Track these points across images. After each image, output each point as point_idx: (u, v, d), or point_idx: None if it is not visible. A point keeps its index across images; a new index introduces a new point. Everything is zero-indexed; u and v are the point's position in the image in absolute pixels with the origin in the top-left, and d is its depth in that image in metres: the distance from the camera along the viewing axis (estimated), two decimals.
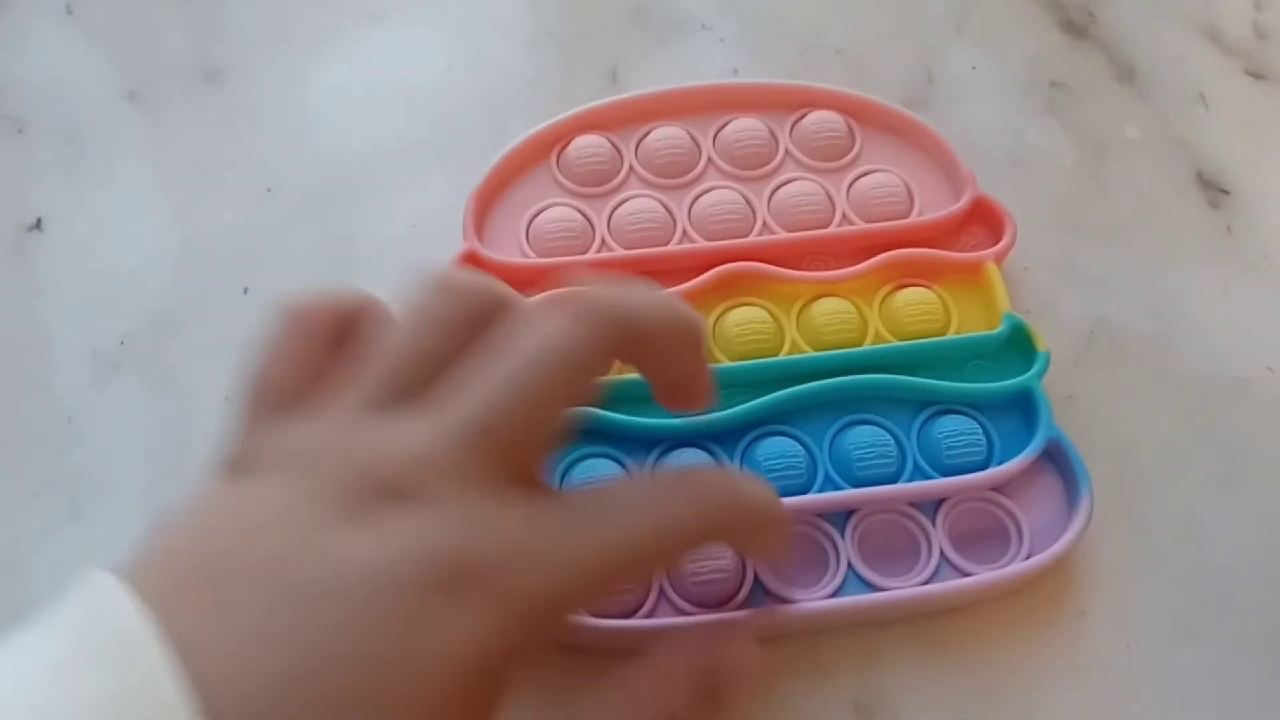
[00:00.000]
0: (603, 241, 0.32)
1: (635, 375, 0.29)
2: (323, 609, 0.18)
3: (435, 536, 0.19)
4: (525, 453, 0.21)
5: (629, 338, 0.22)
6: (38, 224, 0.33)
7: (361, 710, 0.18)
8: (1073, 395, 0.31)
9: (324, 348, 0.22)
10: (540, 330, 0.21)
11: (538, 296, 0.22)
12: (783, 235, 0.32)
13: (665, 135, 0.33)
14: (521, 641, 0.20)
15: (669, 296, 0.23)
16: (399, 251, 0.32)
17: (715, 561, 0.27)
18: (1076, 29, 0.38)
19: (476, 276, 0.22)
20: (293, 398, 0.22)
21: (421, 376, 0.21)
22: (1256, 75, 0.38)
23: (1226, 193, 0.35)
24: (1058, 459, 0.30)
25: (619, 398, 0.29)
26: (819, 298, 0.31)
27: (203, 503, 0.21)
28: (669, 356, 0.23)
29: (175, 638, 0.18)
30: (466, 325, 0.22)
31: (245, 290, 0.32)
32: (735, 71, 0.36)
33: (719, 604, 0.27)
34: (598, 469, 0.28)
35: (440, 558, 0.19)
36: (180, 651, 0.17)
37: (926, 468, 0.29)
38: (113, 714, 0.17)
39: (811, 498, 0.28)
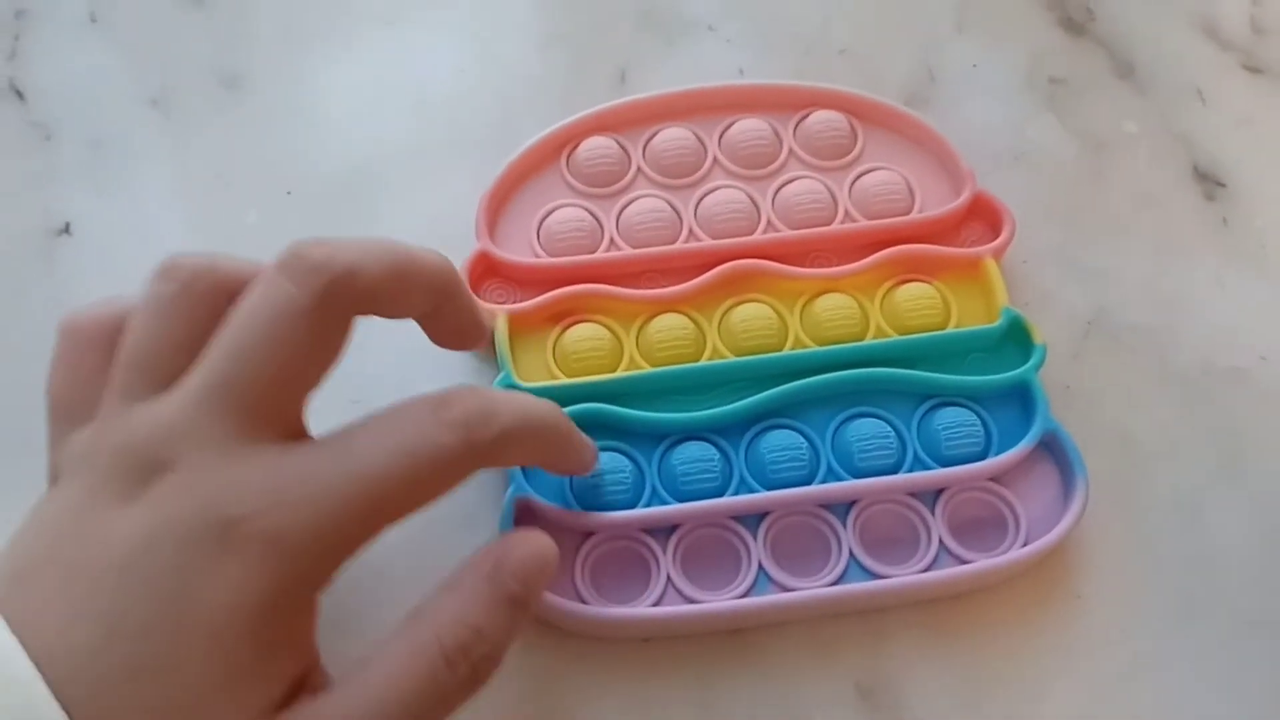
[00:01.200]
0: (611, 241, 0.32)
1: (642, 372, 0.30)
2: (104, 581, 0.20)
3: (192, 496, 0.21)
4: (269, 408, 0.22)
5: (334, 285, 0.22)
6: (66, 228, 0.34)
7: (159, 667, 0.20)
8: (1071, 385, 0.32)
9: (100, 356, 0.24)
10: (258, 293, 0.22)
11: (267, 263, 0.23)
12: (787, 233, 0.33)
13: (672, 136, 0.34)
14: (296, 580, 0.21)
15: (389, 244, 0.23)
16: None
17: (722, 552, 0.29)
18: (1076, 26, 0.39)
19: (197, 258, 0.23)
20: (79, 407, 0.23)
21: (162, 360, 0.23)
22: (1253, 70, 0.38)
23: (1223, 186, 0.36)
24: (1054, 449, 0.30)
25: (626, 393, 0.30)
26: (822, 293, 0.32)
27: (29, 515, 0.23)
28: (410, 300, 0.24)
29: (12, 618, 0.20)
30: (192, 303, 0.23)
31: None
32: (741, 71, 0.37)
33: (722, 589, 0.28)
34: (606, 463, 0.29)
35: (199, 515, 0.21)
36: (18, 630, 0.20)
37: (926, 459, 0.30)
38: None
39: (815, 488, 0.29)
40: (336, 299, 0.22)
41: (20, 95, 0.36)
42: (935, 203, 0.34)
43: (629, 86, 0.37)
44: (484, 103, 0.36)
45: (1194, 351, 0.33)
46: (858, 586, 0.28)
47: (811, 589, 0.28)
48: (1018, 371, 0.30)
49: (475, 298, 0.25)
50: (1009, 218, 0.33)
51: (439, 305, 0.25)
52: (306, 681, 0.22)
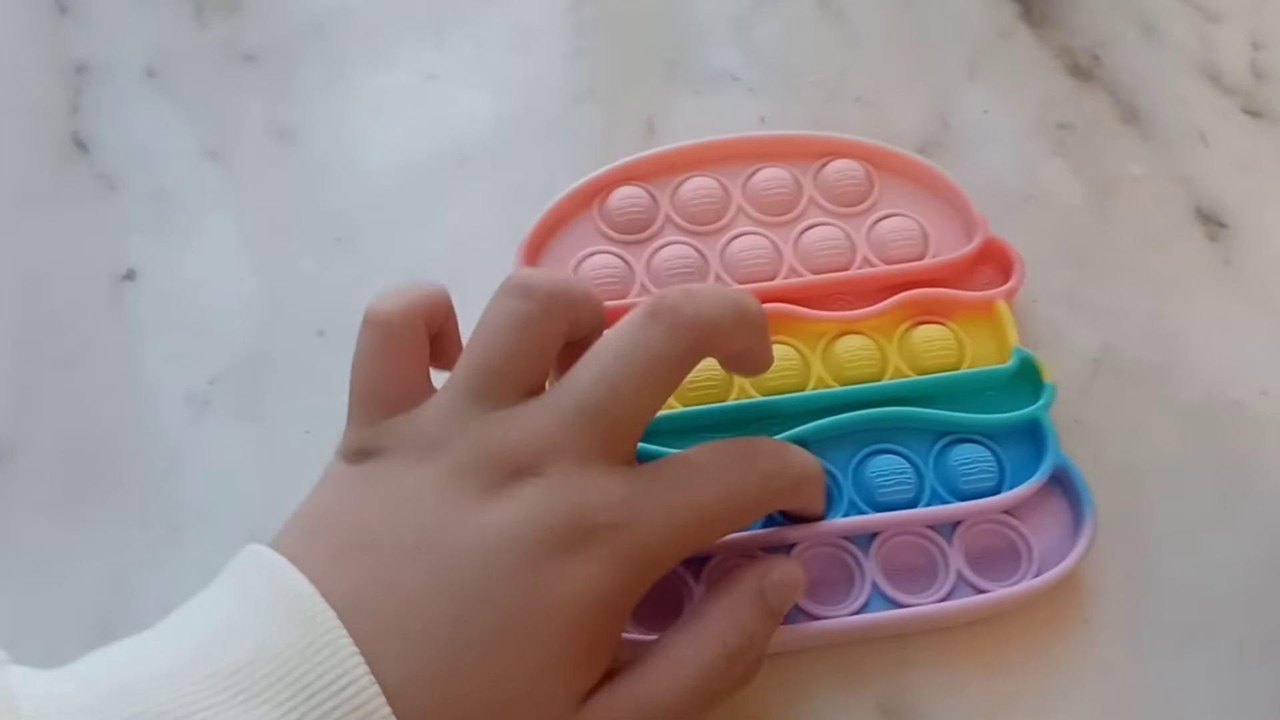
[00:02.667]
0: (642, 286, 0.34)
1: (673, 411, 0.32)
2: (468, 564, 0.23)
3: (556, 502, 0.23)
4: (624, 435, 0.25)
5: (704, 339, 0.26)
6: (130, 275, 0.36)
7: (507, 644, 0.22)
8: (1080, 420, 0.33)
9: (411, 347, 0.26)
10: (632, 334, 0.25)
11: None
12: (808, 277, 0.34)
13: (698, 185, 0.36)
14: (630, 586, 0.24)
15: (736, 294, 0.26)
16: (458, 293, 0.35)
17: None
18: (1083, 72, 0.40)
19: (549, 280, 0.26)
20: (395, 395, 0.26)
21: (518, 372, 0.25)
22: (1254, 114, 0.40)
23: (1224, 226, 0.37)
24: (1064, 483, 0.31)
25: (659, 431, 0.31)
26: (842, 335, 0.33)
27: (333, 487, 0.25)
28: (737, 344, 0.27)
29: (335, 599, 0.22)
30: (543, 322, 0.26)
31: (320, 333, 0.35)
32: (763, 119, 0.39)
33: None
34: None
35: (561, 519, 0.23)
36: (340, 609, 0.21)
37: (943, 493, 0.31)
38: (297, 665, 0.21)
39: (838, 521, 0.30)
40: (700, 350, 0.26)
41: (84, 148, 0.38)
42: (949, 247, 0.35)
43: (657, 135, 0.38)
44: (521, 152, 0.38)
45: (1197, 386, 0.34)
46: (881, 615, 0.29)
47: (837, 617, 0.29)
48: (1029, 410, 0.32)
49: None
50: (1019, 262, 0.34)
51: (753, 344, 0.27)
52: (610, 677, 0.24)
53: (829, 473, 0.31)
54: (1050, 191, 0.38)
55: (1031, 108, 0.40)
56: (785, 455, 0.27)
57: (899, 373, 0.33)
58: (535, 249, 0.35)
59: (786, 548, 0.30)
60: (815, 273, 0.34)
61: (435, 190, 0.37)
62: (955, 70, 0.40)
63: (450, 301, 0.28)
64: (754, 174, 0.36)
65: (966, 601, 0.30)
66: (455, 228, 0.37)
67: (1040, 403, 0.32)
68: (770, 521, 0.30)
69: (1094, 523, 0.31)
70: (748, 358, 0.28)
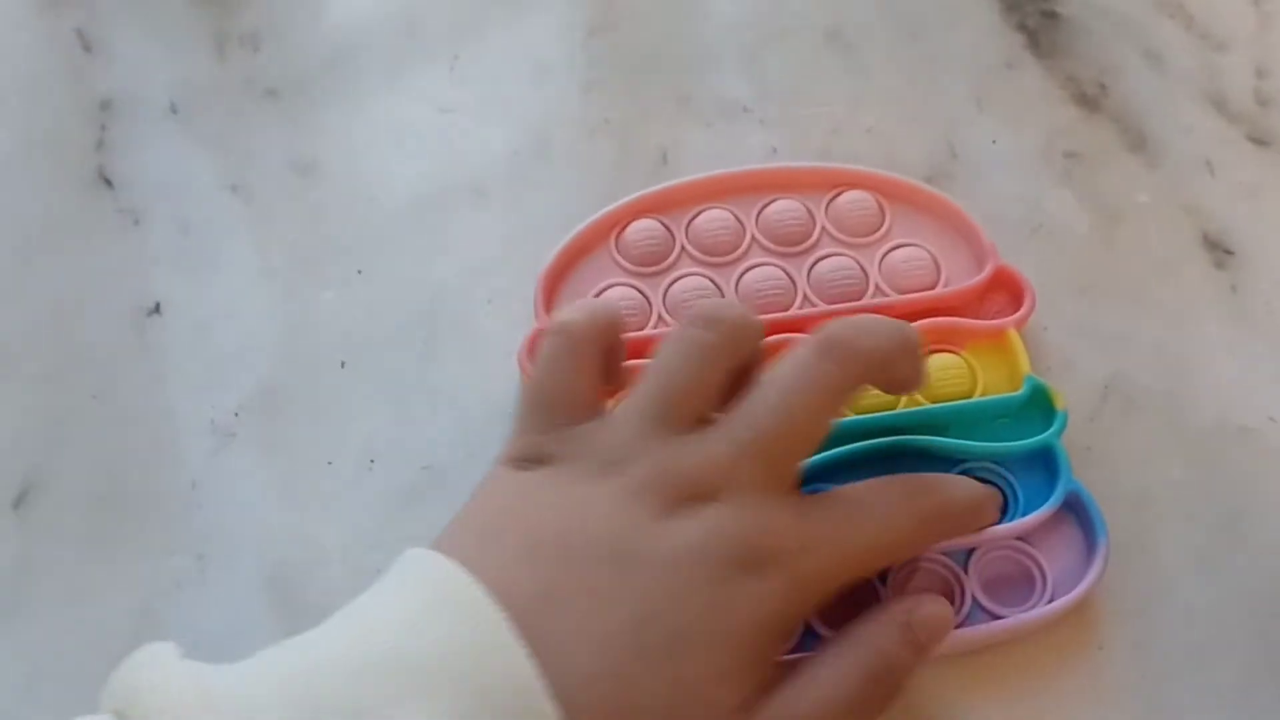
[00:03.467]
0: (659, 317, 0.35)
1: None
2: (652, 573, 0.24)
3: (735, 527, 0.25)
4: (793, 465, 0.27)
5: (869, 370, 0.27)
6: (156, 308, 0.36)
7: (686, 651, 0.23)
8: (1091, 446, 0.34)
9: (595, 363, 0.28)
10: (803, 369, 0.27)
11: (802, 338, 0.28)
12: (822, 307, 0.35)
13: (712, 217, 0.36)
14: (799, 609, 0.26)
15: (898, 325, 0.28)
16: (476, 326, 0.36)
17: None
18: (1089, 102, 0.41)
19: (734, 312, 0.28)
20: (573, 404, 0.27)
21: (698, 400, 0.27)
22: (1259, 141, 0.40)
23: (1231, 253, 0.38)
24: (1077, 510, 0.32)
25: None
26: None
27: (500, 491, 0.26)
28: (900, 372, 0.29)
29: (513, 601, 0.23)
30: (726, 353, 0.28)
31: (342, 364, 0.35)
32: (775, 150, 0.40)
33: None
34: None
35: (740, 542, 0.25)
36: (519, 611, 0.22)
37: None
38: (470, 666, 0.22)
39: None
40: (866, 380, 0.28)
41: (109, 183, 0.39)
42: (960, 275, 0.36)
43: (670, 167, 0.39)
44: (536, 185, 0.39)
45: (1206, 412, 0.35)
46: None
47: None
48: (1041, 437, 0.32)
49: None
50: (1029, 290, 0.35)
51: (914, 369, 0.29)
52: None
53: None
54: (1058, 220, 0.38)
55: (1038, 137, 0.40)
56: (946, 495, 0.29)
57: (913, 401, 0.33)
58: (554, 281, 0.35)
59: None
60: (829, 303, 0.35)
61: (453, 222, 0.38)
62: (963, 101, 0.41)
63: (622, 326, 0.30)
64: (767, 205, 0.37)
65: (982, 628, 0.30)
66: (472, 259, 0.37)
67: (1052, 430, 0.32)
68: None
69: (1107, 548, 0.31)
70: (906, 382, 0.29)
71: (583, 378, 0.28)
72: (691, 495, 0.25)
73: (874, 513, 0.27)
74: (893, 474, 0.31)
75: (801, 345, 0.27)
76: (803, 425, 0.27)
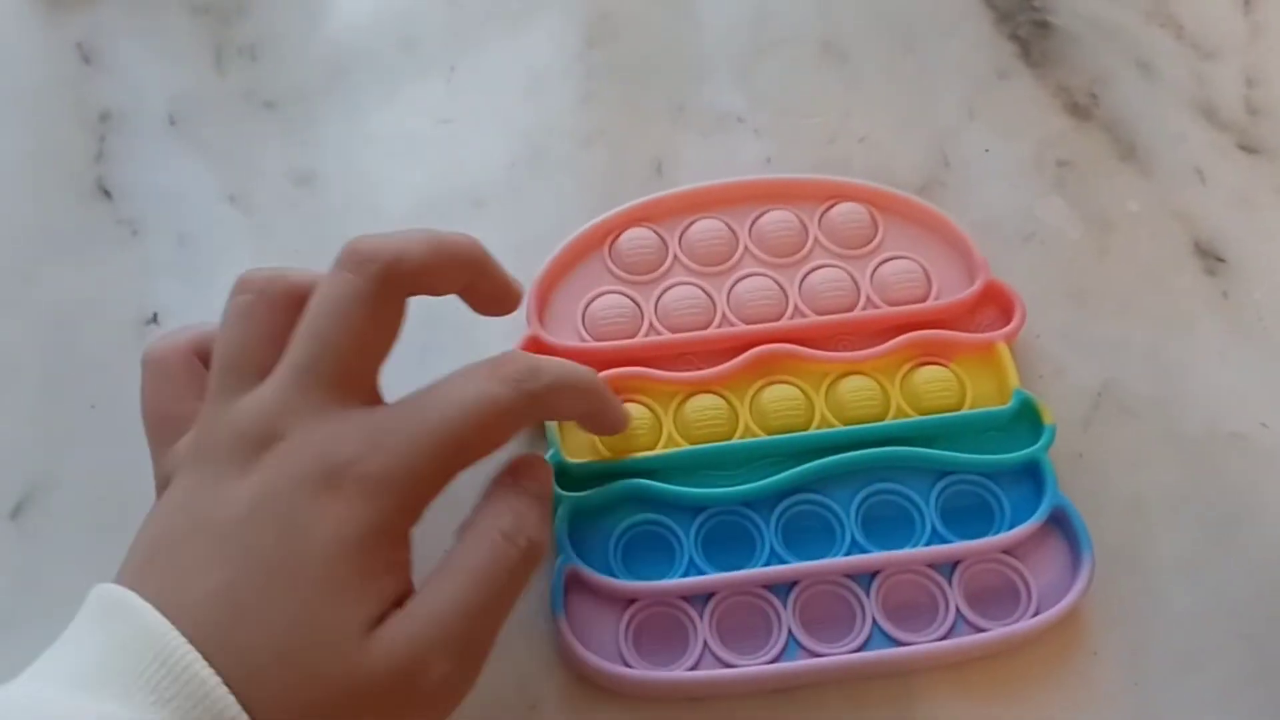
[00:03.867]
0: (650, 325, 0.35)
1: (679, 450, 0.33)
2: (230, 530, 0.25)
3: (299, 455, 0.25)
4: (350, 377, 0.27)
5: (388, 270, 0.27)
6: (155, 318, 0.37)
7: (277, 589, 0.24)
8: (1083, 453, 0.34)
9: (185, 378, 0.29)
10: (325, 287, 0.27)
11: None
12: (813, 318, 0.35)
13: (706, 227, 0.37)
14: (391, 513, 0.25)
15: (421, 230, 0.28)
16: (475, 331, 0.36)
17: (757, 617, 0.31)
18: (1081, 111, 0.41)
19: (267, 270, 0.28)
20: (175, 423, 0.28)
21: (252, 358, 0.27)
22: (1249, 149, 0.40)
23: (1222, 261, 0.38)
24: (1063, 524, 0.32)
25: (665, 469, 0.32)
26: (846, 375, 0.34)
27: (150, 517, 0.27)
28: (433, 277, 0.28)
29: (150, 593, 0.24)
30: (266, 306, 0.28)
31: None
32: (769, 160, 0.40)
33: (755, 653, 0.30)
34: (648, 534, 0.32)
35: (308, 466, 0.25)
36: (154, 599, 0.24)
37: (943, 532, 0.32)
38: (120, 653, 0.23)
39: (840, 559, 0.31)
40: (390, 282, 0.27)
41: (108, 194, 0.39)
42: (951, 288, 0.36)
43: (665, 177, 0.39)
44: (532, 195, 0.39)
45: (1197, 419, 0.35)
46: (880, 654, 0.30)
47: (837, 655, 0.30)
48: (1029, 450, 0.33)
49: (503, 268, 0.30)
50: (1019, 304, 0.35)
51: (474, 279, 0.29)
52: (403, 603, 0.26)
53: (832, 510, 0.32)
54: (1050, 228, 0.39)
55: (1031, 146, 0.40)
56: (536, 361, 0.28)
57: (901, 413, 0.33)
58: (547, 288, 0.36)
59: (788, 586, 0.31)
60: (820, 314, 0.35)
61: (450, 231, 0.38)
62: (956, 110, 0.41)
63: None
64: (761, 216, 0.37)
65: (965, 640, 0.30)
66: None
67: (1040, 444, 0.33)
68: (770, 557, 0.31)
69: (1092, 563, 0.31)
70: (474, 290, 0.29)
71: (181, 398, 0.29)
72: (259, 445, 0.26)
73: (448, 392, 0.27)
74: (869, 482, 0.33)
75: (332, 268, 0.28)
76: (338, 340, 0.26)
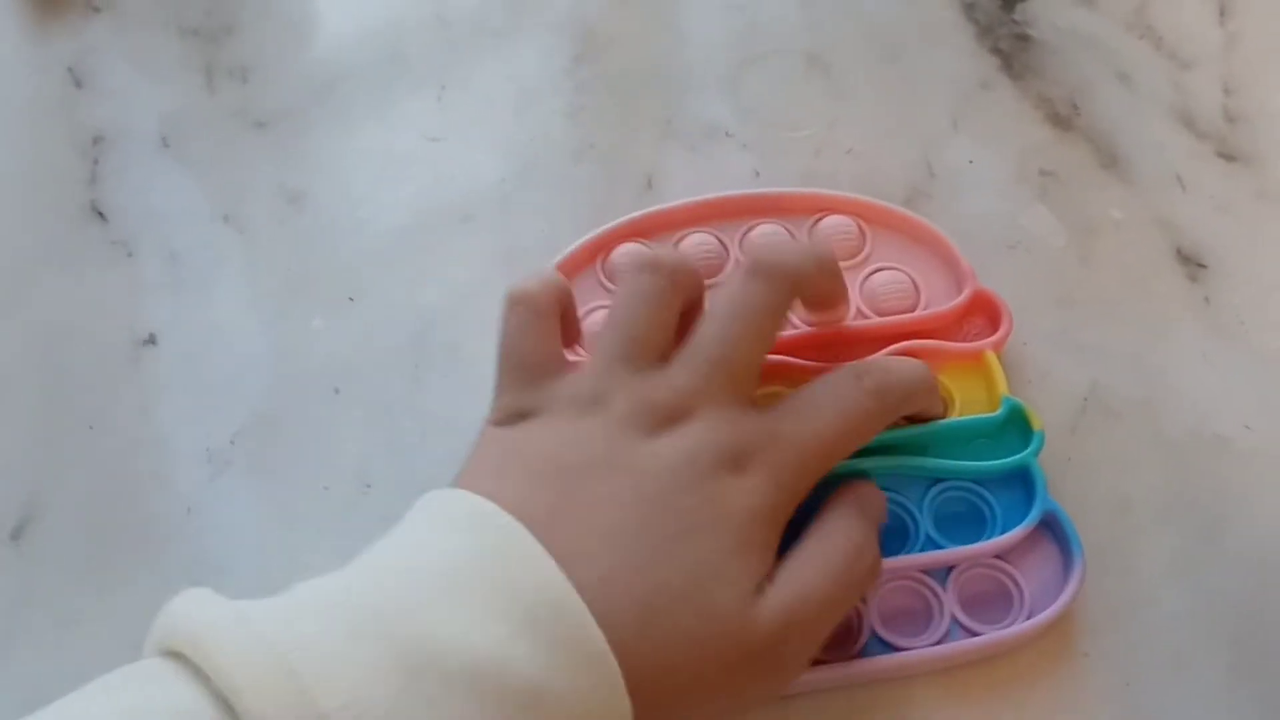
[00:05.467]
0: None
1: None
2: (651, 478, 0.27)
3: (713, 435, 0.28)
4: (748, 378, 0.30)
5: (794, 285, 0.30)
6: (150, 338, 0.37)
7: (692, 538, 0.26)
8: (1071, 457, 0.35)
9: (553, 322, 0.31)
10: (742, 293, 0.30)
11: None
12: (804, 329, 0.35)
13: (697, 241, 0.37)
14: (784, 497, 0.28)
15: (810, 245, 0.32)
16: (466, 349, 0.37)
17: None
18: (1063, 121, 0.42)
19: (672, 257, 0.31)
20: (543, 362, 0.30)
21: (657, 337, 0.30)
22: (1228, 156, 0.41)
23: (1204, 266, 0.39)
24: (1054, 528, 0.32)
25: None
26: None
27: (498, 443, 0.29)
28: (818, 288, 0.32)
29: (530, 516, 0.25)
30: (674, 292, 0.30)
31: (336, 390, 0.36)
32: (757, 174, 0.40)
33: None
34: None
35: (719, 446, 0.28)
36: (536, 524, 0.25)
37: (937, 538, 0.32)
38: (494, 567, 0.24)
39: None
40: (793, 295, 0.31)
41: (102, 216, 0.39)
42: (939, 298, 0.37)
43: (655, 190, 0.40)
44: (523, 210, 0.40)
45: (1182, 422, 0.36)
46: (877, 660, 0.30)
47: (834, 662, 0.30)
48: (1018, 456, 0.33)
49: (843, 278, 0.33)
50: (1007, 313, 0.36)
51: (832, 288, 0.32)
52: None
53: None
54: (1035, 236, 0.39)
55: (1014, 156, 0.41)
56: (890, 367, 0.32)
57: (893, 423, 0.34)
58: None
59: None
60: (811, 324, 0.36)
61: (442, 248, 0.39)
62: (940, 122, 0.42)
63: (570, 288, 0.32)
64: (751, 229, 0.38)
65: (961, 644, 0.31)
66: (461, 284, 0.38)
67: (1029, 450, 0.33)
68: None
69: (1083, 565, 0.32)
70: (832, 296, 0.33)
71: (550, 338, 0.30)
72: (669, 419, 0.28)
73: (828, 399, 0.30)
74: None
75: (733, 275, 0.30)
76: (751, 342, 0.30)
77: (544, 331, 0.30)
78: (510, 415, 0.29)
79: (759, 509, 0.27)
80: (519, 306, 0.31)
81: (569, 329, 0.32)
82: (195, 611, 0.23)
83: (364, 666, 0.22)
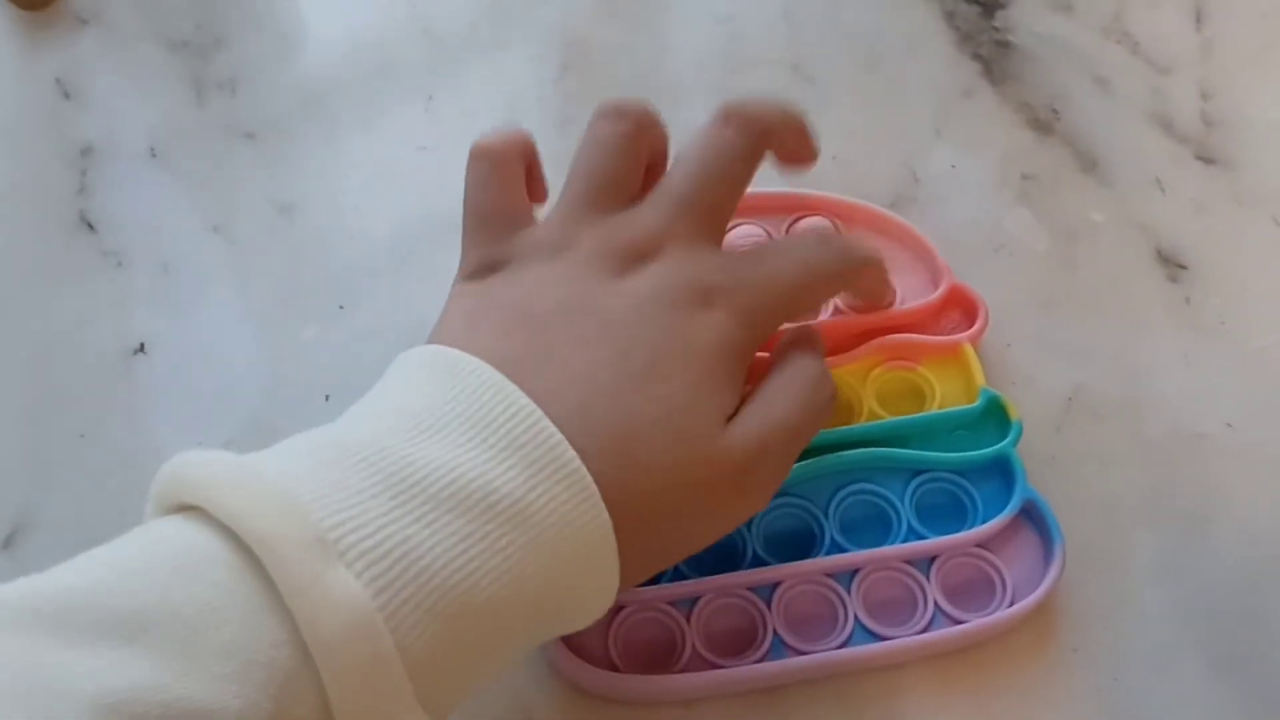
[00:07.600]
0: None
1: None
2: (619, 317, 0.27)
3: (679, 273, 0.28)
4: (717, 220, 0.30)
5: (763, 131, 0.31)
6: (141, 348, 0.37)
7: (663, 370, 0.27)
8: (1055, 456, 0.35)
9: (520, 176, 0.31)
10: (710, 138, 0.30)
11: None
12: (783, 325, 0.36)
13: None
14: (748, 335, 0.29)
15: (780, 100, 0.32)
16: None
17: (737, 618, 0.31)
18: (1043, 126, 0.42)
19: (637, 104, 0.31)
20: (510, 213, 0.30)
21: (622, 181, 0.30)
22: (1206, 159, 0.42)
23: (1184, 267, 0.39)
24: (1034, 516, 0.33)
25: None
26: None
27: (470, 297, 0.29)
28: (786, 138, 0.32)
29: (500, 362, 0.26)
30: (640, 138, 0.30)
31: (327, 398, 0.36)
32: None
33: (742, 654, 0.31)
34: None
35: (685, 283, 0.28)
36: (507, 369, 0.25)
37: (920, 528, 0.32)
38: (468, 406, 0.25)
39: (821, 559, 0.32)
40: (763, 143, 0.31)
41: (91, 227, 0.40)
42: (916, 294, 0.37)
43: None
44: None
45: (1164, 420, 0.36)
46: (863, 649, 0.31)
47: (822, 652, 0.30)
48: (997, 447, 0.33)
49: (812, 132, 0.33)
50: (983, 306, 0.36)
51: (798, 140, 0.32)
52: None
53: (810, 512, 0.33)
54: (1017, 240, 0.40)
55: (996, 161, 0.42)
56: (853, 240, 0.33)
57: (873, 415, 0.34)
58: None
59: (771, 587, 0.32)
60: (856, 310, 0.36)
61: (430, 257, 0.39)
62: (923, 128, 0.42)
63: (534, 143, 0.32)
64: (730, 230, 0.38)
65: (945, 632, 0.31)
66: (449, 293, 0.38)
67: (1008, 440, 0.33)
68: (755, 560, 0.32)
69: (1063, 552, 0.32)
70: (798, 152, 0.33)
71: (514, 190, 0.31)
72: (636, 258, 0.29)
73: (793, 252, 0.31)
74: (846, 483, 0.34)
75: (711, 119, 0.31)
76: (719, 184, 0.30)
77: (507, 184, 0.31)
78: (478, 269, 0.30)
79: (725, 343, 0.28)
80: (481, 160, 0.31)
81: (534, 184, 0.32)
82: (193, 460, 0.24)
83: (355, 491, 0.23)
